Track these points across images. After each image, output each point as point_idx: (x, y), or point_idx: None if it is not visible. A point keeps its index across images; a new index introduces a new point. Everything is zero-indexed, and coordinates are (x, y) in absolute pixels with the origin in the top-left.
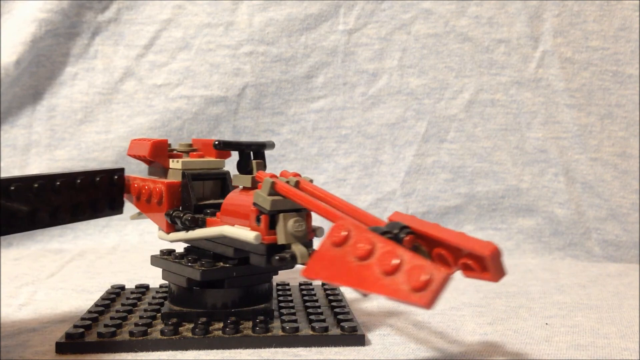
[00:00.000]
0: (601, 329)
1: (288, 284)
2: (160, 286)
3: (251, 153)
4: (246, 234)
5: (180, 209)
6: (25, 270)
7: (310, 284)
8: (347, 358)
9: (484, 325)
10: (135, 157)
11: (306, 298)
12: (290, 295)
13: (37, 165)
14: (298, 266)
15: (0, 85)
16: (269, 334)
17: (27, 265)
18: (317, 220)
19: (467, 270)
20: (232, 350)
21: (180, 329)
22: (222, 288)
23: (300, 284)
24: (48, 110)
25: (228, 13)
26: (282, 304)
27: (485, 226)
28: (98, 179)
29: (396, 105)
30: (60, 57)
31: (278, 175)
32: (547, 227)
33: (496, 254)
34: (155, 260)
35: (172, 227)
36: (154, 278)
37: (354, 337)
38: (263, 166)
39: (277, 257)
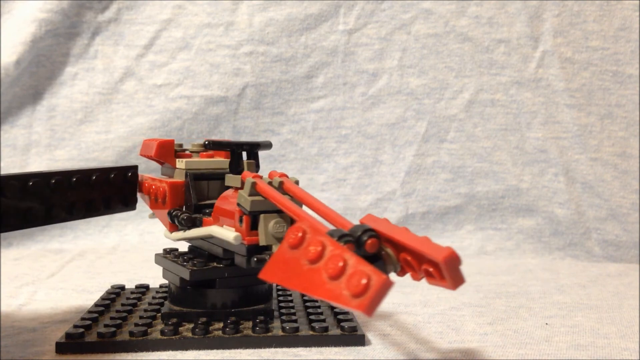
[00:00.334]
0: (601, 329)
1: None
2: (160, 286)
3: (244, 153)
4: (228, 234)
5: (183, 208)
6: (25, 270)
7: None
8: (347, 358)
9: (484, 325)
10: (146, 157)
11: (306, 298)
12: (290, 295)
13: (37, 165)
14: None
15: (0, 85)
16: (269, 334)
17: (27, 265)
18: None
19: (429, 276)
20: (232, 350)
21: (180, 329)
22: (215, 288)
23: None
24: (48, 110)
25: (228, 13)
26: (282, 304)
27: (485, 226)
28: (112, 175)
29: (396, 105)
30: (60, 57)
31: (264, 175)
32: (547, 227)
33: (451, 259)
34: (157, 259)
35: (175, 226)
36: (154, 278)
37: (354, 337)
38: (255, 166)
39: (255, 259)
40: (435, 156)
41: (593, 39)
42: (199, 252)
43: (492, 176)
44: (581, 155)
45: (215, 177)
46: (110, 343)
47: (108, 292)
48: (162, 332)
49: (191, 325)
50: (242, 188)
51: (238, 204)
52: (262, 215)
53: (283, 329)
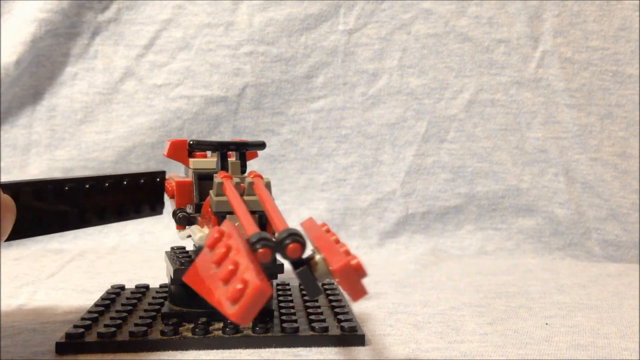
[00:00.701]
0: (601, 329)
1: (288, 284)
2: (160, 286)
3: (237, 153)
4: (197, 234)
5: (191, 207)
6: (25, 270)
7: None
8: (347, 358)
9: (484, 325)
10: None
11: (306, 298)
12: (290, 295)
13: (37, 165)
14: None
15: (0, 85)
16: (269, 334)
17: (27, 265)
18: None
19: (339, 283)
20: (232, 350)
21: (180, 329)
22: None
23: (301, 284)
24: (48, 110)
25: (228, 13)
26: (282, 304)
27: (485, 226)
28: (142, 181)
29: (396, 105)
30: (60, 57)
31: (246, 175)
32: (547, 227)
33: (347, 270)
34: (165, 256)
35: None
36: (154, 278)
37: (354, 337)
38: (239, 166)
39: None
40: (435, 156)
41: (593, 39)
42: (197, 252)
43: (492, 176)
44: (581, 155)
45: None
46: (110, 343)
47: (108, 292)
48: (162, 332)
49: (191, 325)
50: None
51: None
52: (228, 216)
53: (283, 329)
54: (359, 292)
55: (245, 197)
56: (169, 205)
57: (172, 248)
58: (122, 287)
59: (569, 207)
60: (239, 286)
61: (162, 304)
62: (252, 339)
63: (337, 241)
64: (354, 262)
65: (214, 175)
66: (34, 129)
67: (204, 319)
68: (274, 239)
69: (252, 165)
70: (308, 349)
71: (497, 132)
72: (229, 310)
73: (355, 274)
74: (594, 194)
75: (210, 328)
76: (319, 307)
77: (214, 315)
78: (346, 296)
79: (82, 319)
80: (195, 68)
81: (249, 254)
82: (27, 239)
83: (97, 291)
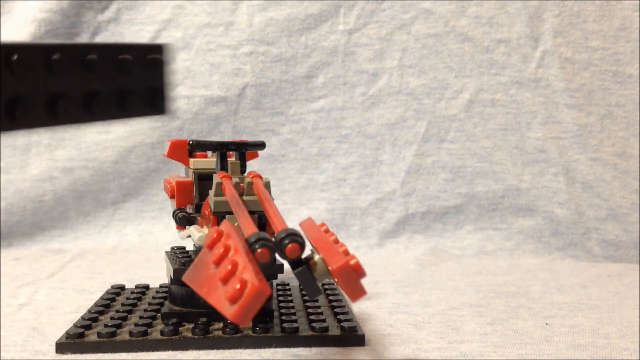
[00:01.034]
0: (601, 329)
1: (288, 284)
2: (160, 286)
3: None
4: (196, 234)
5: (191, 207)
6: (25, 270)
7: None
8: (347, 358)
9: (484, 325)
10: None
11: (306, 298)
12: (290, 295)
13: (37, 165)
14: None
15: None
16: (269, 334)
17: (27, 265)
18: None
19: (338, 283)
20: (232, 350)
21: (180, 329)
22: None
23: (300, 284)
24: None
25: (228, 13)
26: (282, 304)
27: (485, 226)
28: (140, 56)
29: (396, 105)
30: None
31: (245, 175)
32: (547, 227)
33: (345, 270)
34: (164, 256)
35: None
36: (154, 278)
37: (354, 337)
38: (239, 166)
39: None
40: (435, 156)
41: (593, 39)
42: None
43: (492, 176)
44: (581, 155)
45: None
46: (110, 343)
47: (108, 292)
48: (162, 332)
49: (191, 325)
50: None
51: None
52: (227, 216)
53: (283, 329)
54: (358, 292)
55: (245, 197)
56: (169, 205)
57: (172, 248)
58: (122, 287)
59: (569, 207)
60: (238, 286)
61: (162, 304)
62: (252, 339)
63: (336, 241)
64: (352, 262)
65: (214, 175)
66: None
67: (204, 319)
68: (272, 239)
69: (252, 165)
70: (308, 349)
71: (497, 132)
72: (228, 310)
73: (354, 273)
74: (594, 194)
75: (210, 328)
76: (319, 307)
77: (214, 315)
78: (346, 296)
79: (82, 318)
80: (195, 68)
81: (248, 254)
82: (27, 239)
83: (97, 291)
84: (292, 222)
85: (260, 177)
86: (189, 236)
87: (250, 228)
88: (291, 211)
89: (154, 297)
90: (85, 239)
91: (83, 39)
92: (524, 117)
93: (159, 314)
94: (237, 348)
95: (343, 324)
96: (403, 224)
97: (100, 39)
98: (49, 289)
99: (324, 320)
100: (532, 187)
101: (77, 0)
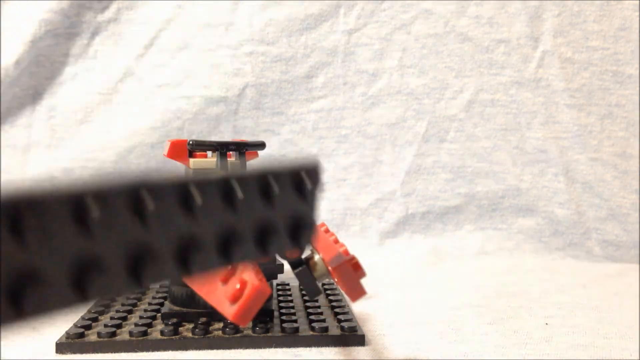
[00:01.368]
0: (601, 329)
1: (288, 284)
2: (160, 286)
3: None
4: None
5: None
6: None
7: None
8: (347, 358)
9: (484, 325)
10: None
11: (306, 298)
12: (290, 295)
13: (37, 165)
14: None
15: (0, 85)
16: (269, 334)
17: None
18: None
19: (338, 283)
20: (232, 350)
21: (180, 329)
22: None
23: (300, 284)
24: (48, 110)
25: (228, 13)
26: (282, 304)
27: (485, 226)
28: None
29: (396, 105)
30: (60, 57)
31: None
32: (547, 227)
33: (345, 269)
34: None
35: None
36: None
37: (354, 337)
38: (239, 166)
39: None
40: (435, 156)
41: (593, 39)
42: None
43: (492, 176)
44: (581, 155)
45: None
46: (110, 343)
47: None
48: (162, 332)
49: (191, 325)
50: None
51: None
52: None
53: (283, 329)
54: (358, 292)
55: None
56: None
57: None
58: None
59: (569, 207)
60: (238, 286)
61: (162, 304)
62: (252, 339)
63: (336, 241)
64: (352, 261)
65: None
66: (33, 129)
67: (204, 319)
68: None
69: (252, 165)
70: (308, 349)
71: (497, 132)
72: (228, 310)
73: (353, 273)
74: (594, 194)
75: (210, 328)
76: (319, 307)
77: (214, 315)
78: (346, 296)
79: (82, 318)
80: (196, 68)
81: None
82: None
83: None
84: None
85: None
86: None
87: None
88: None
89: (154, 297)
90: None
91: (83, 39)
92: (524, 117)
93: (159, 314)
94: (237, 348)
95: (343, 324)
96: (403, 224)
97: (100, 39)
98: None
99: (324, 320)
100: (532, 187)
101: (77, 0)
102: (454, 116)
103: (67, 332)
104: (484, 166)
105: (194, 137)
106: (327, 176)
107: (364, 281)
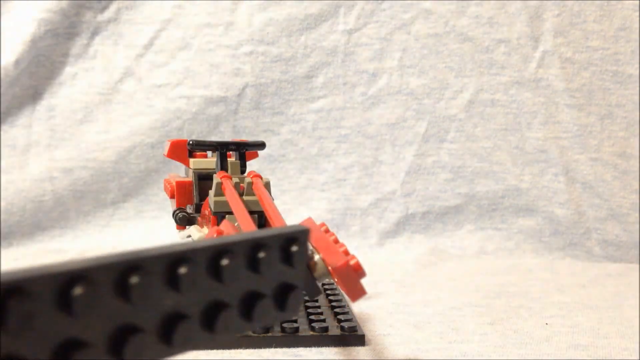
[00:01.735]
0: (601, 329)
1: None
2: None
3: (237, 153)
4: (195, 234)
5: (191, 207)
6: None
7: None
8: (347, 358)
9: (484, 325)
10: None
11: (306, 298)
12: None
13: (37, 165)
14: None
15: (0, 85)
16: (269, 334)
17: (27, 265)
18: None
19: (338, 283)
20: (232, 350)
21: None
22: None
23: None
24: (48, 110)
25: (228, 13)
26: None
27: (485, 226)
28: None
29: (396, 105)
30: (60, 57)
31: (245, 175)
32: (547, 227)
33: (345, 269)
34: None
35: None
36: None
37: (354, 337)
38: (239, 166)
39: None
40: (435, 156)
41: (593, 39)
42: None
43: (492, 176)
44: (581, 155)
45: None
46: None
47: None
48: None
49: None
50: None
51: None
52: (227, 216)
53: (283, 329)
54: (358, 292)
55: (245, 197)
56: (169, 205)
57: None
58: None
59: (569, 207)
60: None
61: None
62: (252, 339)
63: (336, 241)
64: (352, 262)
65: (214, 175)
66: (33, 129)
67: None
68: None
69: (252, 165)
70: (308, 349)
71: (497, 132)
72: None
73: (354, 273)
74: (594, 194)
75: None
76: (319, 307)
77: None
78: (346, 296)
79: None
80: (195, 68)
81: None
82: (26, 239)
83: None
84: (292, 222)
85: (260, 177)
86: (189, 236)
87: (250, 228)
88: (291, 211)
89: None
90: (85, 239)
91: (83, 39)
92: (524, 117)
93: None
94: (237, 348)
95: (343, 324)
96: (403, 224)
97: (100, 39)
98: None
99: (324, 320)
100: (532, 187)
101: (77, 0)
102: (454, 116)
103: None
104: (484, 166)
105: (194, 137)
106: (327, 176)
107: (364, 281)
